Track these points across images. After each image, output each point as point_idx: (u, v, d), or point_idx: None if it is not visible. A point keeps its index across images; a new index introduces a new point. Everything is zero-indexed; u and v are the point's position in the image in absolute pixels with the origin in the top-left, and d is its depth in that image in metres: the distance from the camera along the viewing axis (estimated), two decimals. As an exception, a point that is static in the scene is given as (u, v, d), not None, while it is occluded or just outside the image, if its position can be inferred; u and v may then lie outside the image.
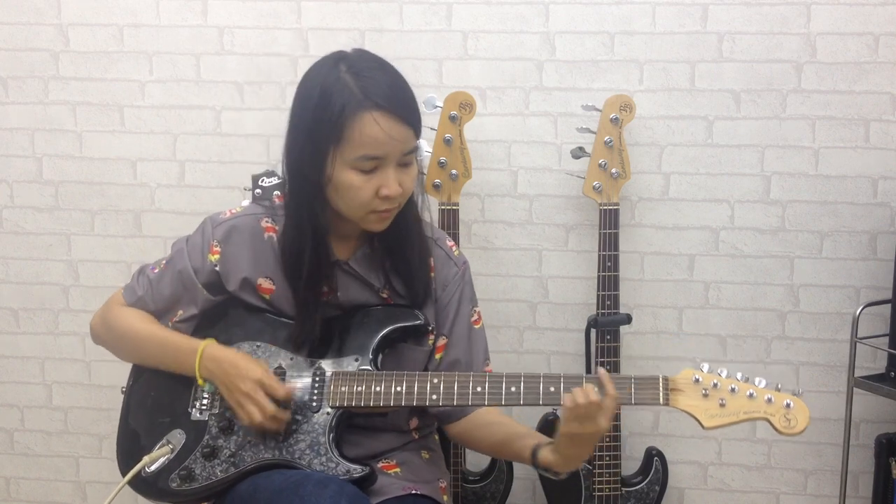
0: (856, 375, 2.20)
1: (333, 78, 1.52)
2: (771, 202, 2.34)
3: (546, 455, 1.54)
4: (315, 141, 1.53)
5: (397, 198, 1.56)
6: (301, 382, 1.61)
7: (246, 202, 2.16)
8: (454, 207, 2.19)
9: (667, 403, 1.51)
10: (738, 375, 1.52)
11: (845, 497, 2.27)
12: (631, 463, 2.36)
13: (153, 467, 1.62)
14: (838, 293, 2.36)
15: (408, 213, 1.64)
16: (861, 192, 2.31)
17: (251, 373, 1.56)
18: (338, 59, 1.56)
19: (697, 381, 1.51)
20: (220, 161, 2.46)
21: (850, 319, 2.22)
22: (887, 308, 2.16)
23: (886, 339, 2.14)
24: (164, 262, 1.74)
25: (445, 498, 1.75)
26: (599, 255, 2.18)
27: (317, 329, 1.63)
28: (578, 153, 2.20)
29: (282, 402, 1.57)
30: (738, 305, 2.39)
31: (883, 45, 2.26)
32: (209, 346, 1.61)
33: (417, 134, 1.56)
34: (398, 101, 1.52)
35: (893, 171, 2.29)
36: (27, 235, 2.54)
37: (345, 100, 1.50)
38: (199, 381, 1.62)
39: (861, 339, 2.21)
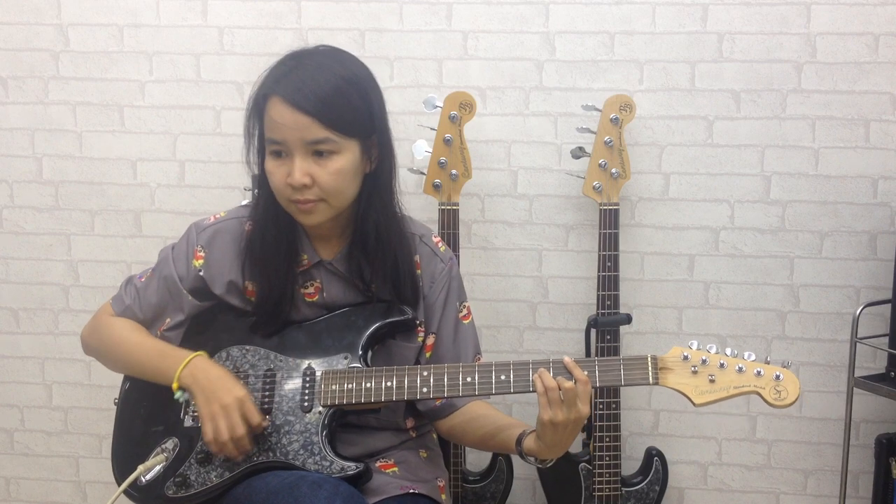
0: (856, 375, 2.19)
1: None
2: (771, 202, 2.34)
3: (529, 443, 1.55)
4: (253, 129, 1.61)
5: (311, 189, 1.55)
6: (291, 384, 1.62)
7: (245, 202, 2.16)
8: (454, 207, 2.19)
9: (656, 382, 1.51)
10: (728, 350, 1.52)
11: (845, 497, 2.26)
12: (631, 463, 2.36)
13: (149, 476, 1.62)
14: (838, 293, 2.35)
15: (377, 211, 1.62)
16: (861, 192, 2.31)
17: (236, 390, 1.56)
18: (297, 52, 1.61)
19: (686, 358, 1.50)
20: (220, 161, 2.45)
21: (850, 319, 2.22)
22: (887, 308, 2.16)
23: (886, 339, 2.14)
24: (150, 270, 1.74)
25: (444, 497, 1.75)
26: (599, 255, 2.18)
27: (277, 324, 1.65)
28: (578, 153, 2.20)
29: (252, 431, 1.56)
30: (738, 305, 2.38)
31: (883, 45, 2.25)
32: (200, 357, 1.61)
33: (327, 125, 1.52)
34: (298, 88, 1.52)
35: (893, 171, 2.29)
36: (27, 235, 2.54)
37: (259, 84, 1.58)
38: (174, 385, 1.59)
39: (861, 339, 2.21)
